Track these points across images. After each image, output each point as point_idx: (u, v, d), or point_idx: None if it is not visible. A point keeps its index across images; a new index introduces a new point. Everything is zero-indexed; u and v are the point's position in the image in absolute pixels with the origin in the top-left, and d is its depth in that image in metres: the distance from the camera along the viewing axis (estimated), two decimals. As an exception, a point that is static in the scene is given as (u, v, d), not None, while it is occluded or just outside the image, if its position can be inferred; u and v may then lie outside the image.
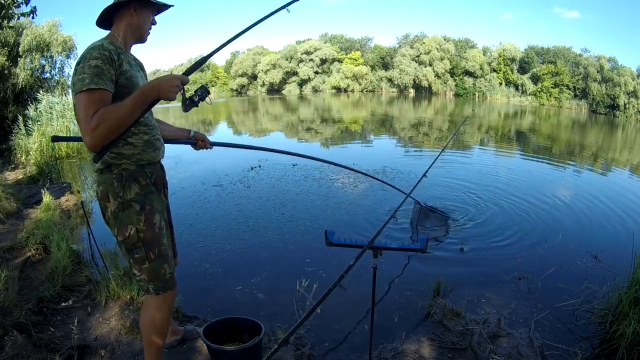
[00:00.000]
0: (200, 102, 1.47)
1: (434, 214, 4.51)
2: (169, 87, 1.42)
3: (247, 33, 1.80)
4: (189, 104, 1.49)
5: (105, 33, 1.69)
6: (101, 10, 1.64)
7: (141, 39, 1.74)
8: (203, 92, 1.49)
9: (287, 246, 4.11)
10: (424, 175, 3.93)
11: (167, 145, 1.90)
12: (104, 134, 1.38)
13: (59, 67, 12.90)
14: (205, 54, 1.72)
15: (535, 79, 40.76)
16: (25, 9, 5.01)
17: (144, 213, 1.62)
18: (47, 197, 4.73)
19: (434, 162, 4.07)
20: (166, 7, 1.80)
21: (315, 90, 48.91)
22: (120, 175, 1.56)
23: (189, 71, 1.59)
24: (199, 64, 1.72)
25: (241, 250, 4.00)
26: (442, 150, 4.53)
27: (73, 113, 1.43)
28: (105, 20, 1.69)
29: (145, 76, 1.81)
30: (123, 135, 1.48)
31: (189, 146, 2.10)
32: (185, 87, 1.47)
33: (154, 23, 1.77)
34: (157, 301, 1.74)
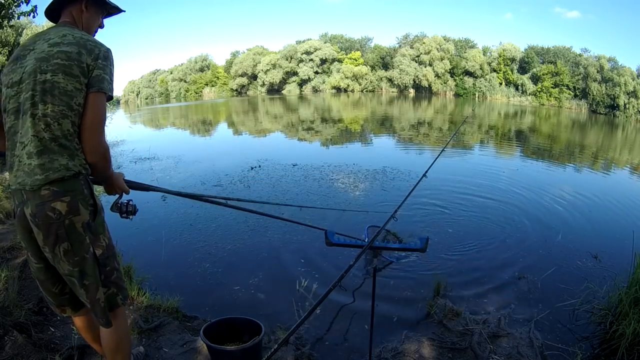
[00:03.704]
0: (124, 214, 1.62)
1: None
2: (115, 187, 1.57)
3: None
4: (116, 209, 1.62)
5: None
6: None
7: None
8: (131, 210, 1.63)
9: (287, 246, 4.11)
10: (424, 175, 3.92)
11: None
12: (106, 160, 1.45)
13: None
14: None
15: (535, 79, 40.77)
16: (25, 8, 4.99)
17: (104, 219, 1.51)
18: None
19: (434, 162, 4.06)
20: (118, 10, 1.66)
21: (315, 90, 48.91)
22: (86, 181, 1.41)
23: (135, 188, 1.69)
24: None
25: (241, 250, 4.00)
26: (442, 150, 4.52)
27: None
28: (54, 10, 1.53)
29: None
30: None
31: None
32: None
33: (101, 26, 1.62)
34: (123, 310, 1.59)
